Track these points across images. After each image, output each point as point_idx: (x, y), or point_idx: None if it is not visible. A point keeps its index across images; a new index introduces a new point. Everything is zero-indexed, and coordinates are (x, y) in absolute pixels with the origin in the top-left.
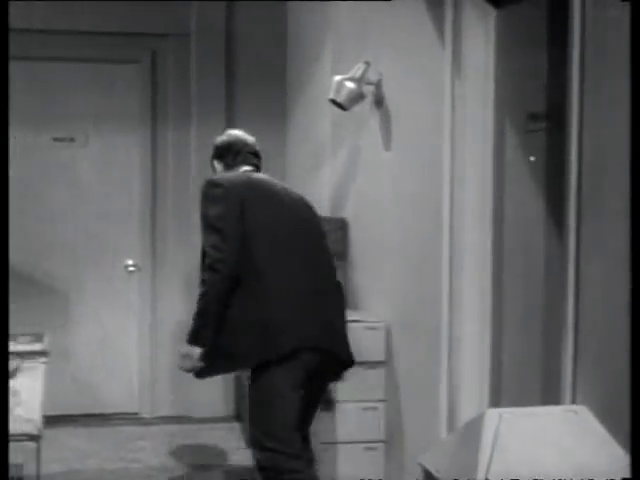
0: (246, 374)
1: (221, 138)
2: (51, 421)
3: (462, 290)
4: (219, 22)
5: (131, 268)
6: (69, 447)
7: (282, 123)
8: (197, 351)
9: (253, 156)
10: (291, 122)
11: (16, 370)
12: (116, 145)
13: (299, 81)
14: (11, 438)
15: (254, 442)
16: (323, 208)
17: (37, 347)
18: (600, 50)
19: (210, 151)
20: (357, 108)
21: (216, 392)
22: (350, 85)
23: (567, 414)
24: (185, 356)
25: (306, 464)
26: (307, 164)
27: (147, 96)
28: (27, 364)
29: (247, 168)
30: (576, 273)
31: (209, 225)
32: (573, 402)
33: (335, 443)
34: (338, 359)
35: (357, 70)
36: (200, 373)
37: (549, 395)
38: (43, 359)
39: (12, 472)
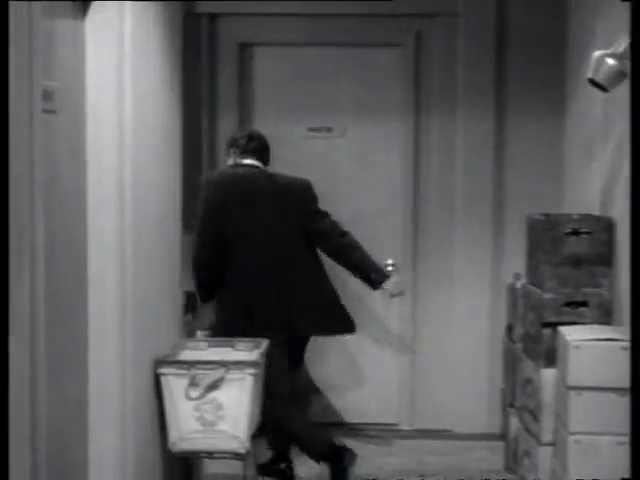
0: None
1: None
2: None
3: None
4: (489, 0)
5: (390, 268)
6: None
7: (560, 112)
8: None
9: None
10: (569, 111)
11: (219, 381)
12: (376, 136)
13: (581, 64)
14: (215, 455)
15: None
16: (592, 206)
17: (245, 357)
18: None
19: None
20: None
21: (481, 406)
22: (611, 62)
23: None
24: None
25: (296, 410)
26: (579, 157)
27: (410, 83)
28: (233, 375)
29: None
30: None
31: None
32: None
33: None
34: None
35: (620, 45)
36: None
37: None
38: (251, 370)
39: None
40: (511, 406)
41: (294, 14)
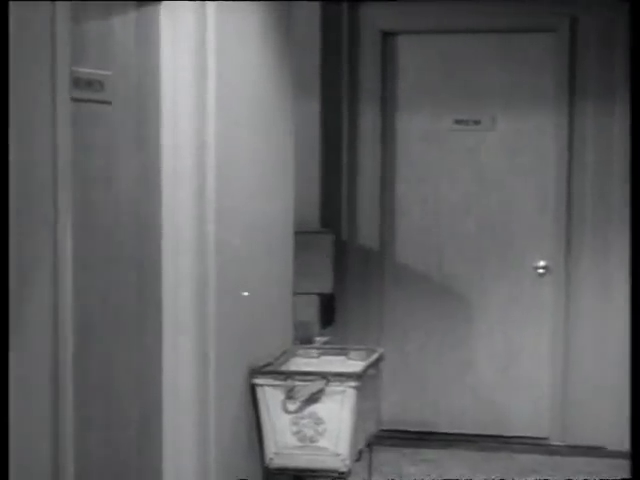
0: None
1: None
2: (440, 438)
3: None
4: None
5: (541, 270)
6: (452, 470)
7: None
8: None
9: None
10: None
11: (319, 394)
12: (527, 129)
13: None
14: (315, 473)
15: None
16: None
17: (348, 368)
18: None
19: None
20: None
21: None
22: None
23: None
24: None
25: None
26: None
27: (564, 70)
28: (333, 387)
29: None
30: None
31: None
32: None
33: None
34: None
35: None
36: None
37: None
38: (353, 383)
39: None
40: None
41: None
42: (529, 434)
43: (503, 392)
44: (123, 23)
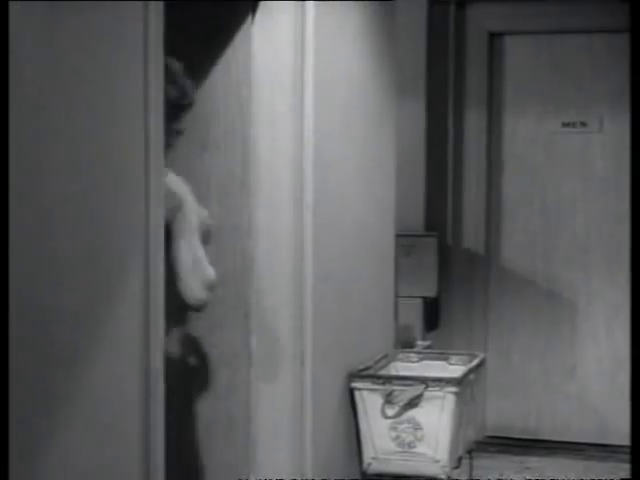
0: None
1: None
2: (544, 446)
3: None
4: None
5: None
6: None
7: None
8: None
9: None
10: None
11: (418, 399)
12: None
13: None
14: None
15: None
16: None
17: (449, 373)
18: None
19: None
20: None
21: None
22: None
23: None
24: None
25: None
26: None
27: None
28: (433, 393)
29: None
30: None
31: None
32: None
33: None
34: None
35: None
36: None
37: None
38: (453, 389)
39: None
40: None
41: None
42: (606, 441)
43: (609, 399)
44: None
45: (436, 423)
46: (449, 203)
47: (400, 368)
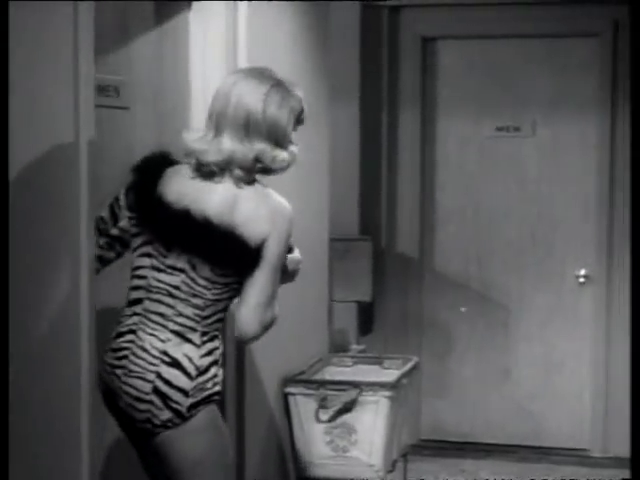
0: None
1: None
2: (478, 448)
3: None
4: None
5: (582, 279)
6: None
7: None
8: None
9: None
10: None
11: (352, 403)
12: (568, 135)
13: None
14: None
15: None
16: None
17: (382, 378)
18: None
19: None
20: None
21: None
22: None
23: None
24: None
25: None
26: None
27: (607, 77)
28: (367, 397)
29: None
30: None
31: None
32: None
33: None
34: None
35: None
36: None
37: None
38: (387, 393)
39: None
40: None
41: (481, 4)
42: (569, 445)
43: (543, 402)
44: (142, 25)
45: (370, 427)
46: (383, 207)
47: (334, 372)
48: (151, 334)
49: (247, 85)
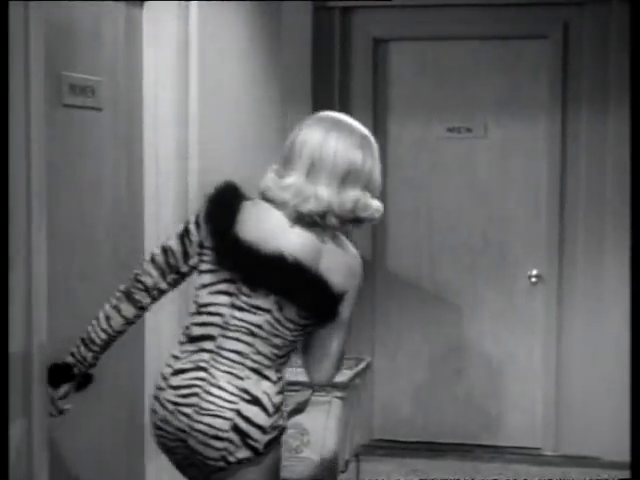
0: None
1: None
2: (431, 448)
3: None
4: None
5: (534, 279)
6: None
7: None
8: None
9: None
10: None
11: (304, 404)
12: (519, 136)
13: None
14: None
15: None
16: None
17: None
18: None
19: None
20: None
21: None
22: None
23: None
24: None
25: None
26: None
27: (557, 78)
28: (319, 398)
29: None
30: None
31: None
32: None
33: None
34: None
35: None
36: None
37: None
38: (339, 393)
39: None
40: None
41: (432, 5)
42: (521, 444)
43: (495, 401)
44: (112, 25)
45: (322, 428)
46: None
47: (287, 373)
48: (226, 371)
49: (340, 134)
